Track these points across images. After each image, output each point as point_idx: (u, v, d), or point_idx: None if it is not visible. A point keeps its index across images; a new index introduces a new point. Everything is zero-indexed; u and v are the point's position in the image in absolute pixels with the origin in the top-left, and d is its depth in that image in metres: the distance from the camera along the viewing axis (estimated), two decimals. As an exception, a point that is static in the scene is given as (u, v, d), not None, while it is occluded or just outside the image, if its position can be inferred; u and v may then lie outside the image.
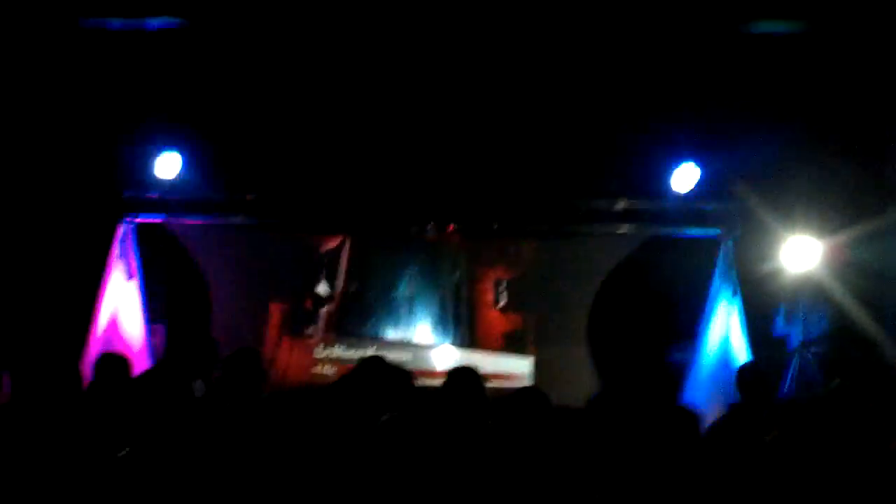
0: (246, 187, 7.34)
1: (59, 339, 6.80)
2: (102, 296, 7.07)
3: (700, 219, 7.53)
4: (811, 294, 7.52)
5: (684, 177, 7.30)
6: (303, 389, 7.32)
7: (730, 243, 7.48)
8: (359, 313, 7.83)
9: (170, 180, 7.09)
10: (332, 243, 7.92)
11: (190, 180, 7.08)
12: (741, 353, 7.43)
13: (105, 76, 6.63)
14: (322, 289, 7.79)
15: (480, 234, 7.93)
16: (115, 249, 7.28)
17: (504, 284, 8.05)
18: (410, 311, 7.93)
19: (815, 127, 6.93)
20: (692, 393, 7.25)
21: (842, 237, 7.14)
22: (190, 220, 7.45)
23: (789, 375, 7.33)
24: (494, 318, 8.03)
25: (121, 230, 7.34)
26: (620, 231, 7.65)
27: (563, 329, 7.85)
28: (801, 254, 7.16)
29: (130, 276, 7.24)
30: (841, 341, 7.38)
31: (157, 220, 7.43)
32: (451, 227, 7.93)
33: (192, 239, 7.54)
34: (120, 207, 7.27)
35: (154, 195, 7.22)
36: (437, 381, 4.05)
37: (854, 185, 7.09)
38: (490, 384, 7.33)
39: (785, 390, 7.33)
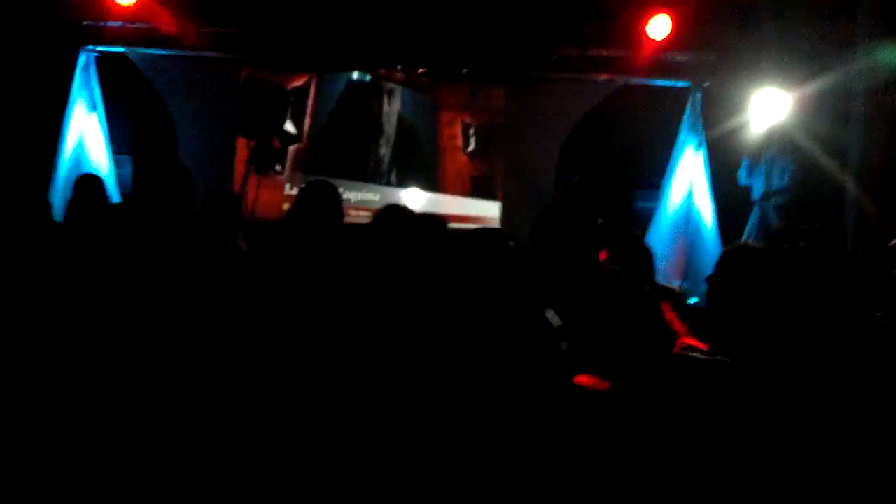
0: (212, 21, 7.34)
1: (24, 169, 6.94)
2: (65, 126, 7.14)
3: (670, 69, 7.77)
4: (777, 146, 7.83)
5: (657, 27, 7.46)
6: (272, 224, 7.61)
7: (698, 95, 7.81)
8: (326, 152, 8.05)
9: (131, 9, 7.03)
10: (300, 81, 8.06)
11: (152, 10, 7.05)
12: (704, 203, 7.80)
13: None
14: (289, 126, 7.94)
15: (450, 77, 8.10)
16: (77, 80, 7.28)
17: (473, 129, 8.31)
18: (378, 153, 8.14)
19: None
20: (654, 240, 7.63)
21: (809, 88, 7.40)
22: (153, 52, 7.44)
23: (750, 225, 7.71)
24: (463, 162, 8.33)
25: (82, 60, 7.31)
26: (591, 79, 7.84)
27: (532, 174, 8.14)
28: (769, 105, 7.45)
29: (93, 107, 7.32)
30: (803, 190, 7.73)
31: (119, 51, 7.41)
32: (421, 69, 8.04)
33: (156, 71, 7.65)
34: (79, 37, 7.27)
35: (115, 25, 7.19)
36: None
37: (821, 35, 7.30)
38: (460, 225, 7.74)
39: (746, 236, 7.74)
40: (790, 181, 7.94)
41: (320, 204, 3.57)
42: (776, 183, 8.02)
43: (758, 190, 8.04)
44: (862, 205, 7.47)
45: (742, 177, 8.13)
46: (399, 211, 3.61)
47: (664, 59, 7.81)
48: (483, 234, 2.99)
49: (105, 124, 7.50)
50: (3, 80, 7.09)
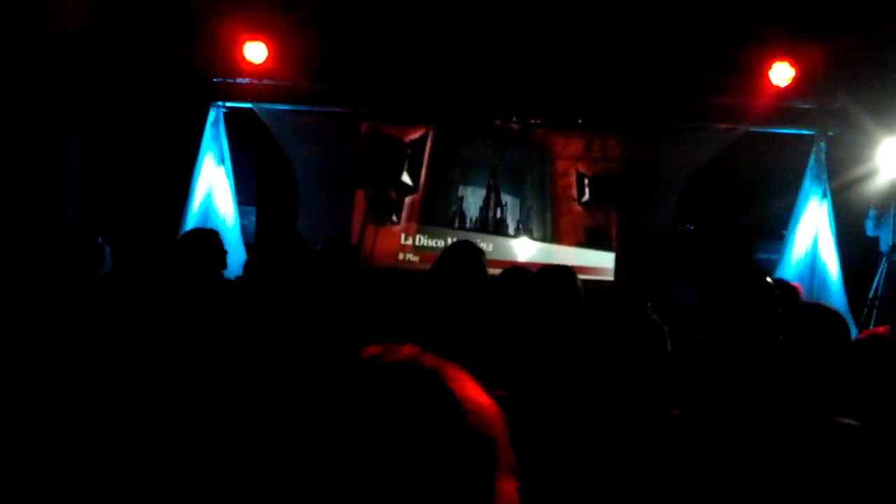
0: (335, 76, 7.74)
1: (155, 218, 7.40)
2: (195, 178, 7.62)
3: (793, 118, 7.75)
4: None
5: (780, 74, 7.48)
6: (389, 273, 7.88)
7: (822, 143, 7.75)
8: (441, 203, 8.38)
9: (259, 67, 7.49)
10: (417, 134, 8.41)
11: (279, 67, 7.49)
12: (829, 254, 7.71)
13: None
14: (406, 178, 8.27)
15: (565, 127, 8.27)
16: (207, 134, 7.77)
17: (588, 179, 8.44)
18: (492, 203, 8.38)
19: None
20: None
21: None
22: (279, 107, 7.88)
23: (877, 278, 7.58)
24: (577, 212, 8.49)
25: (212, 115, 7.80)
26: (710, 127, 7.89)
27: (647, 226, 8.23)
28: (894, 154, 7.36)
29: (221, 161, 7.79)
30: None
31: (247, 107, 7.88)
32: (537, 120, 8.26)
33: (281, 126, 8.08)
34: (210, 92, 7.77)
35: (243, 81, 7.67)
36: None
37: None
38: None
39: (873, 293, 7.61)
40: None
41: (463, 264, 3.77)
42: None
43: (885, 242, 7.91)
44: None
45: (869, 227, 8.04)
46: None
47: (787, 107, 7.83)
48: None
49: (231, 177, 7.94)
50: (139, 134, 7.62)
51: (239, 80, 8.01)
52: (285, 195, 8.31)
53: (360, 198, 8.50)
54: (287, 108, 8.19)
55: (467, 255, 3.86)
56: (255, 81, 7.93)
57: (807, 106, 7.89)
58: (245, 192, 8.31)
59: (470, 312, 3.67)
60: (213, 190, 7.94)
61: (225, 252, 4.14)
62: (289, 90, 7.96)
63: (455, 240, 8.34)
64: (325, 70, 7.90)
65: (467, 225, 8.55)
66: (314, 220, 8.02)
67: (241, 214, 8.10)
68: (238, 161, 8.17)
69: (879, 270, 7.82)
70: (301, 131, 8.29)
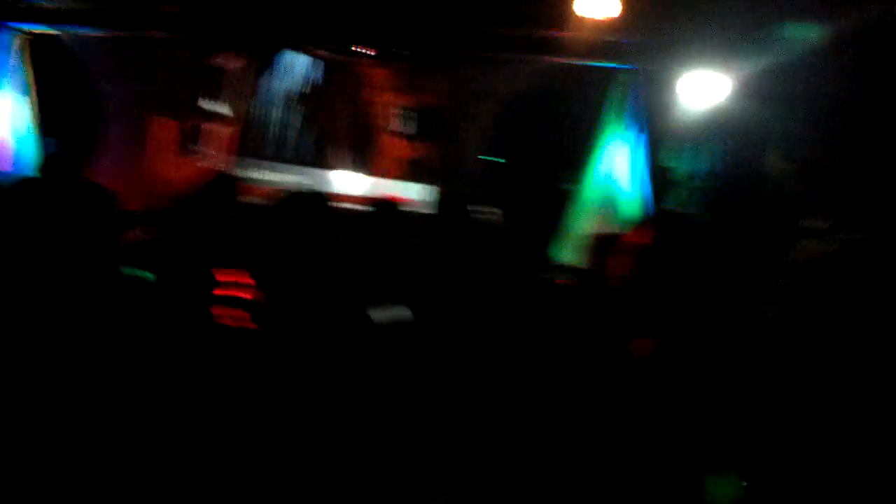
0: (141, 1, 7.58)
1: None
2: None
3: (607, 51, 7.99)
4: (712, 129, 8.06)
5: (592, 7, 7.68)
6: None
7: (630, 76, 7.98)
8: (255, 134, 8.34)
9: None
10: (233, 62, 8.29)
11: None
12: (634, 186, 8.05)
13: None
14: (217, 107, 8.21)
15: (385, 59, 8.35)
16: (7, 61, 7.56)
17: (408, 111, 8.55)
18: (310, 135, 8.44)
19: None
20: (575, 222, 7.87)
21: (744, 70, 7.62)
22: (87, 33, 7.70)
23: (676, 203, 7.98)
24: (397, 145, 8.60)
25: (14, 41, 7.58)
26: (527, 60, 8.09)
27: (468, 158, 8.42)
28: (705, 88, 7.69)
29: (24, 91, 7.61)
30: (734, 175, 7.97)
31: (53, 33, 7.68)
32: (356, 49, 8.30)
33: (88, 53, 7.86)
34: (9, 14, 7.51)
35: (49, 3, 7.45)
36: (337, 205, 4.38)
37: (757, 16, 7.52)
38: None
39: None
40: (722, 166, 8.21)
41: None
42: (710, 167, 8.29)
43: (692, 174, 8.31)
44: (801, 194, 7.71)
45: (678, 160, 8.38)
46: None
47: (600, 41, 8.06)
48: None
49: (34, 107, 7.75)
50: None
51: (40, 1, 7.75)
52: (91, 124, 8.18)
53: (167, 128, 8.41)
54: (94, 32, 7.99)
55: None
56: (56, 4, 7.69)
57: (621, 40, 8.14)
58: (48, 123, 8.13)
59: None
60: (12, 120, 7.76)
61: None
62: (92, 13, 7.76)
63: (271, 173, 8.51)
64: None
65: (284, 157, 8.59)
66: (117, 153, 7.93)
67: (46, 146, 7.92)
68: (42, 91, 7.95)
69: (682, 201, 8.23)
70: (104, 57, 8.13)
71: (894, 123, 6.75)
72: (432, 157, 8.86)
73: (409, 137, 8.87)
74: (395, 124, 8.83)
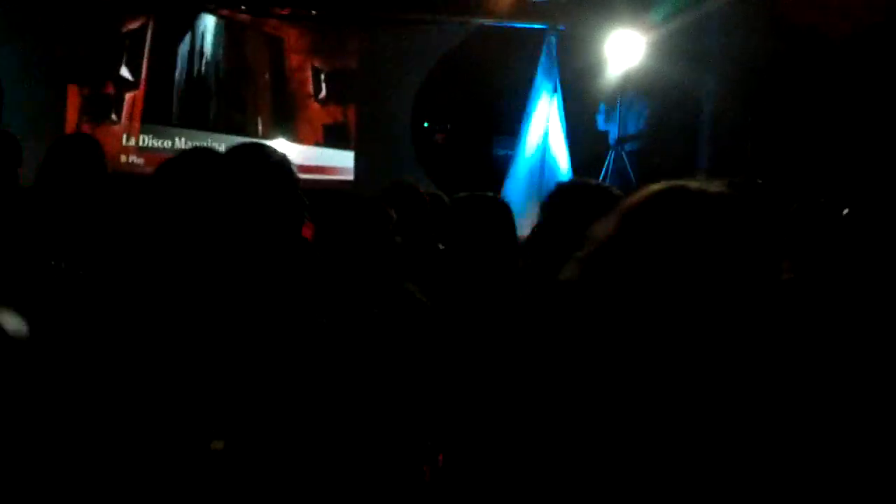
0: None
1: None
2: None
3: (526, 12, 7.97)
4: (633, 90, 8.16)
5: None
6: (112, 177, 7.50)
7: (553, 38, 8.08)
8: (166, 100, 8.06)
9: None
10: (136, 23, 8.00)
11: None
12: (560, 149, 8.08)
13: None
14: (125, 72, 7.88)
15: (298, 20, 8.12)
16: None
17: (325, 75, 8.38)
18: (222, 100, 8.17)
19: None
20: (511, 189, 7.89)
21: (662, 30, 7.72)
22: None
23: (604, 171, 8.04)
24: (314, 109, 8.45)
25: None
26: (444, 20, 8.00)
27: (386, 121, 8.30)
28: (624, 49, 7.76)
29: None
30: (658, 135, 8.09)
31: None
32: (268, 10, 8.05)
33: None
34: None
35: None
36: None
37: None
38: (311, 176, 7.88)
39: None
40: (645, 126, 8.34)
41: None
42: (631, 128, 8.41)
43: (614, 135, 8.40)
44: (715, 153, 7.86)
45: (600, 122, 8.52)
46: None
47: (518, 1, 8.00)
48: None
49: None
50: None
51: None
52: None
53: (73, 94, 8.04)
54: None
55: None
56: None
57: (538, 0, 8.13)
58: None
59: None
60: None
61: None
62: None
63: (182, 138, 8.20)
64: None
65: (194, 124, 8.28)
66: (22, 120, 7.49)
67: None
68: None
69: (607, 162, 8.32)
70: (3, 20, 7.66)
71: (810, 79, 6.94)
72: (351, 122, 8.70)
73: (326, 102, 8.67)
74: (312, 88, 8.62)
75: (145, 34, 8.30)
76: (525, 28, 8.38)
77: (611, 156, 8.33)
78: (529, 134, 8.36)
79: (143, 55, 8.30)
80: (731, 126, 7.77)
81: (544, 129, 8.32)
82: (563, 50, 8.34)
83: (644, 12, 8.02)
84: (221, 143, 8.28)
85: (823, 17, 6.97)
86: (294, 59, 8.54)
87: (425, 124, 8.75)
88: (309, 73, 8.57)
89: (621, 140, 8.40)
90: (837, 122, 6.64)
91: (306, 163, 8.46)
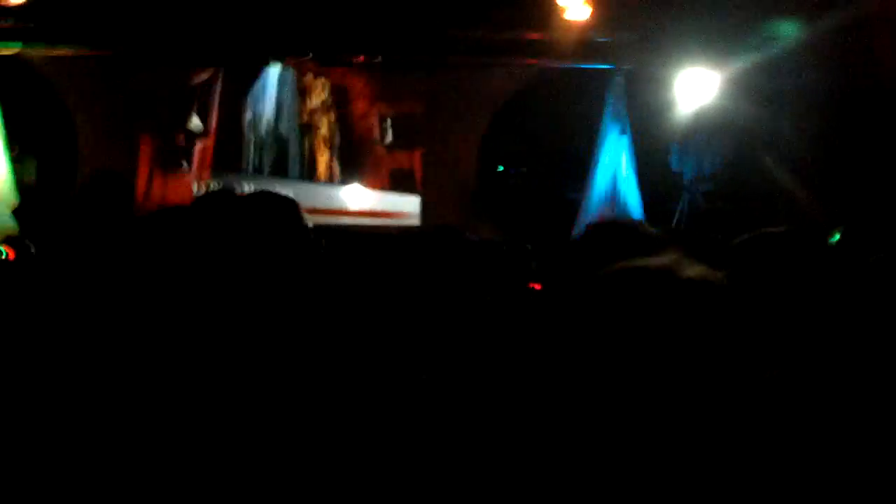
0: (114, 16, 7.45)
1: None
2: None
3: (591, 52, 7.87)
4: (707, 129, 7.95)
5: (573, 7, 7.54)
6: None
7: (620, 78, 7.87)
8: (235, 149, 8.25)
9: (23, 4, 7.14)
10: (204, 76, 8.25)
11: (46, 5, 7.16)
12: (631, 191, 7.90)
13: None
14: (194, 123, 8.10)
15: (363, 65, 8.21)
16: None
17: (389, 120, 8.44)
18: (290, 147, 8.31)
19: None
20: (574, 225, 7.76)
21: (735, 68, 7.50)
22: (50, 50, 7.57)
23: (678, 212, 7.83)
24: (380, 154, 8.51)
25: None
26: (510, 63, 7.96)
27: (453, 165, 8.28)
28: (696, 87, 7.57)
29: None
30: (733, 176, 7.84)
31: (14, 50, 7.55)
32: (332, 58, 8.18)
33: (55, 69, 7.72)
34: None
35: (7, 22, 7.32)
36: (320, 218, 4.18)
37: (747, 12, 7.41)
38: (377, 221, 7.89)
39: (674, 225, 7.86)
40: (720, 166, 8.08)
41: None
42: (706, 168, 8.15)
43: (688, 176, 8.17)
44: (793, 193, 7.55)
45: (673, 162, 8.26)
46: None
47: (584, 42, 7.96)
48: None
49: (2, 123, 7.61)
50: None
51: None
52: (64, 143, 8.03)
53: (145, 144, 8.28)
54: (60, 50, 7.85)
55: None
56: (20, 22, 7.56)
57: (603, 40, 8.01)
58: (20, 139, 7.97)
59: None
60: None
61: None
62: (61, 30, 7.63)
63: (254, 186, 8.34)
64: (104, 8, 7.60)
65: (265, 171, 8.44)
66: (96, 170, 7.77)
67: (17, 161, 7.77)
68: (8, 106, 7.80)
69: (680, 205, 8.08)
70: (78, 73, 8.00)
71: (881, 119, 6.61)
72: (417, 166, 8.73)
73: (392, 147, 8.73)
74: (377, 134, 8.71)
75: (215, 84, 8.55)
76: (591, 69, 8.26)
77: (685, 197, 8.10)
78: (599, 177, 8.20)
79: (213, 105, 8.55)
80: (807, 167, 7.47)
81: (614, 172, 8.16)
82: (632, 90, 8.18)
83: (715, 50, 7.81)
84: (288, 189, 8.41)
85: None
86: (359, 105, 8.65)
87: (499, 168, 8.72)
88: (374, 119, 8.66)
89: (696, 181, 8.15)
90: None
91: (373, 208, 8.52)
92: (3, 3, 7.42)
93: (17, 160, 7.87)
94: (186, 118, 8.47)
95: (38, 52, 7.89)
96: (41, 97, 8.25)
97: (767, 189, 7.79)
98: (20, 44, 7.86)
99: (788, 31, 7.51)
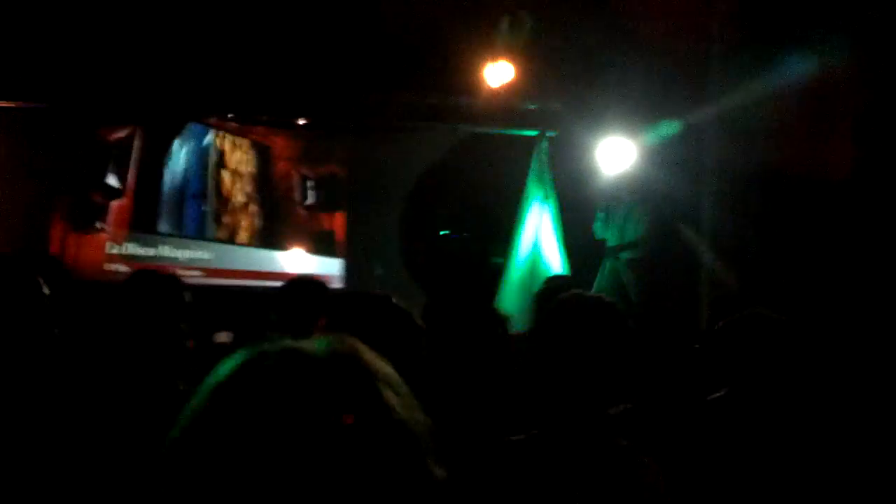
0: (28, 67, 7.36)
1: None
2: None
3: (514, 118, 7.96)
4: (629, 197, 8.05)
5: (498, 74, 7.65)
6: (94, 286, 7.53)
7: (544, 144, 8.01)
8: (152, 208, 8.23)
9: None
10: (122, 133, 8.14)
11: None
12: (553, 257, 7.94)
13: None
14: (112, 181, 7.99)
15: (285, 126, 8.22)
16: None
17: (311, 182, 8.43)
18: (209, 207, 8.22)
19: (622, 25, 7.36)
20: (505, 298, 7.77)
21: (656, 136, 7.64)
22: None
23: (599, 279, 7.88)
24: (302, 216, 8.43)
25: None
26: (432, 128, 8.02)
27: (375, 231, 8.27)
28: (618, 154, 7.67)
29: None
30: (656, 245, 7.93)
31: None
32: (254, 119, 8.17)
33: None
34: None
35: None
36: (239, 281, 4.11)
37: (668, 82, 7.57)
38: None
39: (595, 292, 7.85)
40: (644, 234, 8.16)
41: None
42: (629, 236, 8.23)
43: (611, 243, 8.23)
44: (714, 266, 7.66)
45: (597, 229, 8.32)
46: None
47: (508, 108, 8.08)
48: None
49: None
50: None
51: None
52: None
53: (60, 203, 8.14)
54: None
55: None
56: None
57: (528, 106, 8.15)
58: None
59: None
60: None
61: None
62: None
63: (171, 248, 8.26)
64: (18, 59, 7.51)
65: (185, 231, 8.33)
66: (8, 227, 7.61)
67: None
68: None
69: (601, 272, 8.13)
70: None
71: (798, 192, 6.77)
72: (339, 229, 8.71)
73: (314, 209, 8.70)
74: (299, 195, 8.68)
75: (132, 143, 8.48)
76: (517, 134, 8.35)
77: (605, 264, 8.15)
78: (522, 241, 8.24)
79: (129, 164, 8.43)
80: (730, 236, 7.58)
81: (535, 238, 8.21)
82: (556, 156, 8.28)
83: (638, 119, 7.96)
84: (206, 251, 8.32)
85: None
86: (281, 166, 8.64)
87: (442, 232, 8.72)
88: (296, 181, 8.64)
89: (618, 249, 8.22)
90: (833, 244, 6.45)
91: (294, 270, 8.45)
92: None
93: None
94: (102, 177, 8.34)
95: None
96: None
97: (688, 259, 7.90)
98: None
99: (710, 103, 7.70)
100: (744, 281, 7.36)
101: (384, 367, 0.92)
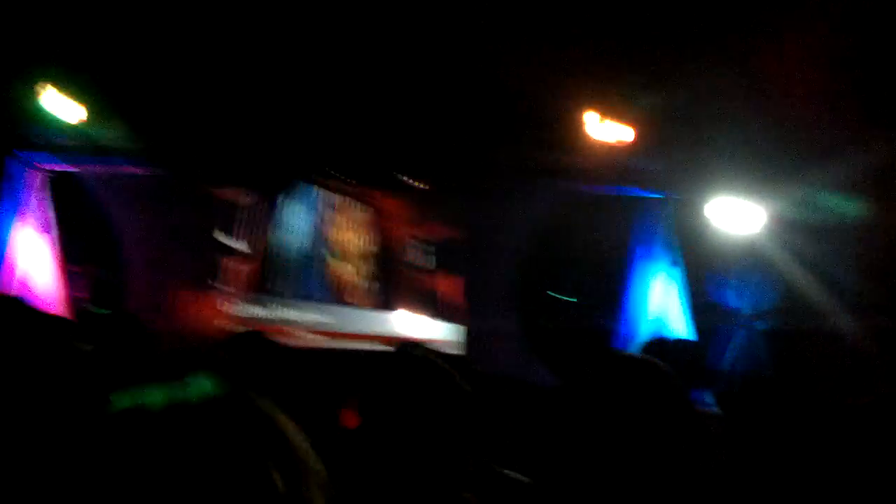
0: (161, 137, 7.70)
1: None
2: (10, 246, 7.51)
3: (635, 178, 7.68)
4: (757, 261, 7.64)
5: (618, 133, 7.44)
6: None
7: (670, 206, 7.62)
8: (278, 271, 8.42)
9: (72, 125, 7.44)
10: (251, 198, 8.32)
11: (96, 126, 7.43)
12: (679, 323, 7.58)
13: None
14: (239, 244, 8.24)
15: (401, 189, 8.26)
16: (28, 198, 7.69)
17: (428, 244, 8.40)
18: (327, 270, 8.30)
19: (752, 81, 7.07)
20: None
21: (784, 200, 7.25)
22: (103, 170, 7.83)
23: (729, 347, 7.46)
24: (418, 279, 8.37)
25: (34, 178, 7.71)
26: (547, 187, 7.86)
27: (492, 292, 8.13)
28: (743, 218, 7.29)
29: (45, 229, 7.70)
30: (792, 313, 7.49)
31: (70, 169, 7.83)
32: (371, 182, 8.24)
33: (105, 189, 7.98)
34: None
35: (60, 140, 7.62)
36: (360, 345, 4.09)
37: (794, 145, 7.22)
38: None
39: (727, 364, 7.48)
40: (778, 303, 7.71)
41: None
42: (761, 304, 7.79)
43: (737, 310, 7.81)
44: (858, 337, 7.14)
45: (722, 295, 7.91)
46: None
47: (623, 167, 7.76)
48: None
49: (57, 242, 7.83)
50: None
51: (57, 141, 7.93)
52: (111, 262, 8.21)
53: (190, 265, 8.38)
54: (112, 169, 8.12)
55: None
56: (71, 141, 7.88)
57: (643, 166, 7.83)
58: (73, 256, 8.19)
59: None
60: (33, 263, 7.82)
61: None
62: (109, 150, 7.91)
63: (287, 309, 8.34)
64: (153, 130, 7.87)
65: (301, 293, 8.43)
66: (139, 287, 7.90)
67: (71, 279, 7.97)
68: (63, 225, 8.06)
69: (734, 341, 7.71)
70: (124, 193, 8.24)
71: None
72: (456, 291, 8.60)
73: (433, 272, 8.66)
74: (417, 258, 8.66)
75: (259, 207, 8.69)
76: (636, 195, 8.06)
77: (741, 334, 7.69)
78: (646, 306, 7.89)
79: (256, 228, 8.68)
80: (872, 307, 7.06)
81: (663, 302, 7.84)
82: (669, 216, 7.93)
83: (761, 181, 7.54)
84: (331, 315, 8.34)
85: None
86: (397, 230, 8.66)
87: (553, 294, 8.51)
88: (412, 243, 8.64)
89: (754, 316, 7.76)
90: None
91: (416, 334, 8.32)
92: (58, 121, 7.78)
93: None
94: (230, 238, 8.63)
95: (88, 169, 8.21)
96: (90, 214, 8.51)
97: (827, 328, 7.36)
98: (72, 161, 8.20)
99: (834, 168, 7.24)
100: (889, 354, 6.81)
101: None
